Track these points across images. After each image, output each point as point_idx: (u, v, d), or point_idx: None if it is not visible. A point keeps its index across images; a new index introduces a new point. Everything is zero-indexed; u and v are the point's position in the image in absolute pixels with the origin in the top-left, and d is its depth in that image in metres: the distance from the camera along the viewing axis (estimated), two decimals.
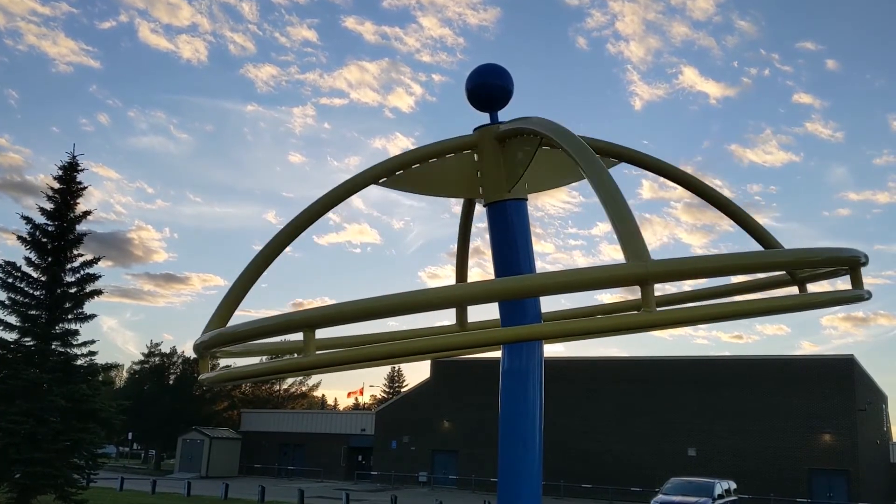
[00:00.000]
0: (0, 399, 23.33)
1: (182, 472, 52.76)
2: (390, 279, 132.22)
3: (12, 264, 25.01)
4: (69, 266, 25.63)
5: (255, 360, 10.06)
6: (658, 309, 4.87)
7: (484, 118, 7.02)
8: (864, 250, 6.00)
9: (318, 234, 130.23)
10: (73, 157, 26.37)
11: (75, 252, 25.78)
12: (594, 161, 5.55)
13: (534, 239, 6.95)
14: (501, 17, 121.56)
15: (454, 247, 7.87)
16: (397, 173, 6.69)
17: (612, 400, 47.80)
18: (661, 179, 7.61)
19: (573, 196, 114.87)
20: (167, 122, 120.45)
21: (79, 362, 25.34)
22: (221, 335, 5.68)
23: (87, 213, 26.21)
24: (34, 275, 25.23)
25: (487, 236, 6.94)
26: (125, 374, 77.75)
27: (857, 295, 6.01)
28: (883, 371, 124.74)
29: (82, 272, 25.78)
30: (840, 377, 43.47)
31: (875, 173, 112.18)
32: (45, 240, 25.48)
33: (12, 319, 24.83)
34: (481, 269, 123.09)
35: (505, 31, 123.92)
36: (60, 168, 26.17)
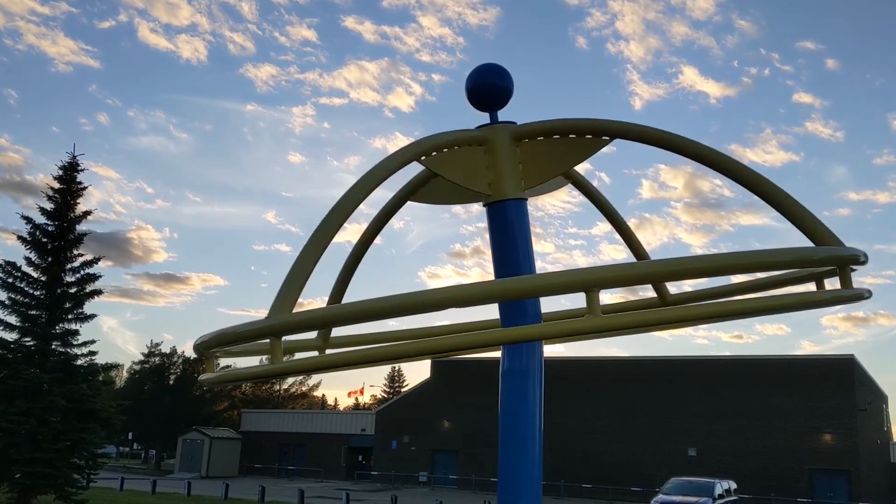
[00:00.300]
0: (0, 399, 23.33)
1: (182, 472, 52.73)
2: (390, 279, 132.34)
3: (12, 264, 24.99)
4: (69, 266, 25.60)
5: (255, 360, 10.05)
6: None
7: (484, 118, 7.02)
8: (865, 250, 6.01)
9: None
10: (73, 156, 26.40)
11: (75, 252, 25.76)
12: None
13: (534, 239, 6.93)
14: (501, 17, 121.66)
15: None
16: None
17: (612, 400, 47.75)
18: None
19: (573, 196, 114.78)
20: (167, 122, 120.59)
21: (79, 362, 25.32)
22: (222, 335, 5.69)
23: (87, 212, 26.21)
24: (34, 275, 25.21)
25: (487, 236, 6.93)
26: (125, 374, 77.68)
27: (858, 294, 6.01)
28: (883, 371, 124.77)
29: (82, 272, 25.76)
30: (840, 377, 43.44)
31: (875, 173, 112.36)
32: (45, 240, 25.46)
33: (12, 319, 24.85)
34: (481, 269, 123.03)
35: (505, 30, 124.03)
36: (60, 168, 26.18)
